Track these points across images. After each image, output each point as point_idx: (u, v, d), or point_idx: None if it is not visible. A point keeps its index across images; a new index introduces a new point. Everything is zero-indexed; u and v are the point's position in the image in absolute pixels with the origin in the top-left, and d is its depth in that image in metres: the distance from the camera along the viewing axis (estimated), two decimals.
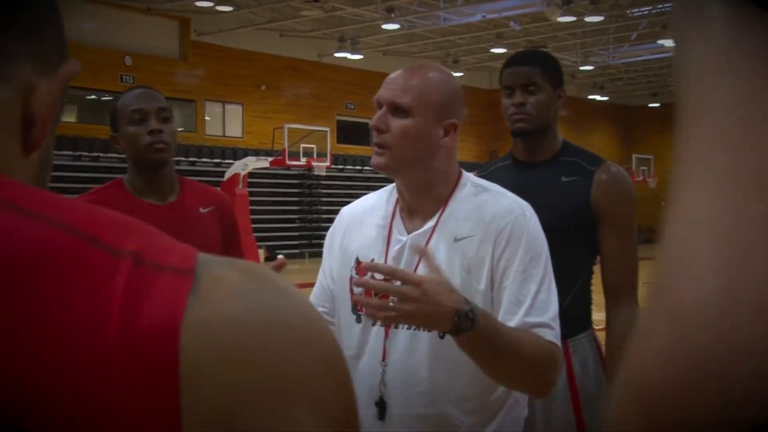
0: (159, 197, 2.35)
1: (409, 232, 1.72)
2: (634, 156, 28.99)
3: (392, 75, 1.72)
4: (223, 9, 19.05)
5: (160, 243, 0.55)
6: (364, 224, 1.80)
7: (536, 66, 2.35)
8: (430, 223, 1.70)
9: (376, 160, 1.69)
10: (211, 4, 18.71)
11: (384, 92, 1.69)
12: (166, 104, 2.35)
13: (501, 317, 1.61)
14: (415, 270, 1.66)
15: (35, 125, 0.62)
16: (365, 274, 1.70)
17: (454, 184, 1.73)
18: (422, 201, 1.73)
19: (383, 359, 1.68)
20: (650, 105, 33.07)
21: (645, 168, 28.82)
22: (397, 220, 1.75)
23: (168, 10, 19.59)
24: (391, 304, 1.45)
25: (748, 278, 0.33)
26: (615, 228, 2.26)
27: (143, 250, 0.54)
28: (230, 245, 2.44)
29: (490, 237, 1.65)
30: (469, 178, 1.76)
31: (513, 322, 1.60)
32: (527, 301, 1.61)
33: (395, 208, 1.77)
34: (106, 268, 0.52)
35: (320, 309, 1.84)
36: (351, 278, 1.75)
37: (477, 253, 1.65)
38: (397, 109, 1.67)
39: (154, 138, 2.29)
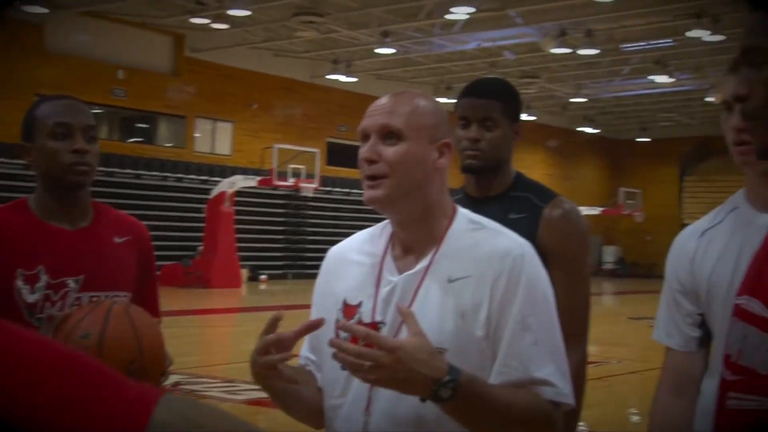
0: (70, 222, 2.12)
1: (400, 272, 1.59)
2: (621, 189, 29.11)
3: (375, 103, 1.63)
4: (218, 26, 19.05)
5: None
6: (352, 264, 1.68)
7: (495, 100, 2.23)
8: (424, 263, 1.58)
9: (371, 194, 1.56)
10: (206, 21, 18.72)
11: (371, 120, 1.59)
12: (94, 121, 2.13)
13: (497, 372, 1.51)
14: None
15: None
16: (352, 316, 1.60)
17: (450, 219, 1.62)
18: (417, 237, 1.60)
19: (367, 408, 1.56)
20: (639, 140, 33.25)
21: (632, 202, 28.92)
22: (389, 259, 1.62)
23: (163, 26, 19.57)
24: (366, 365, 1.37)
25: None
26: (563, 268, 2.09)
27: None
28: (145, 281, 2.24)
29: (486, 280, 1.53)
30: (466, 213, 1.64)
31: (510, 379, 1.50)
32: (525, 354, 1.50)
33: (387, 246, 1.64)
34: None
35: (308, 364, 1.73)
36: (337, 322, 1.63)
37: (473, 297, 1.53)
38: (388, 135, 1.57)
39: (78, 158, 2.05)
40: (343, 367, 1.60)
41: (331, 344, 1.42)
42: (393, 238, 1.65)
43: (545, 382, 1.51)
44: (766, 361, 1.12)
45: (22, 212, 2.10)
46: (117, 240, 2.18)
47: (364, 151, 1.58)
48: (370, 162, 1.56)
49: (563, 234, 2.18)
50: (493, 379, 1.51)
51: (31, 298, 2.02)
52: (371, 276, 1.62)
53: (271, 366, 1.49)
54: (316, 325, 1.54)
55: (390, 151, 1.56)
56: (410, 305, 1.55)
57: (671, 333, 1.84)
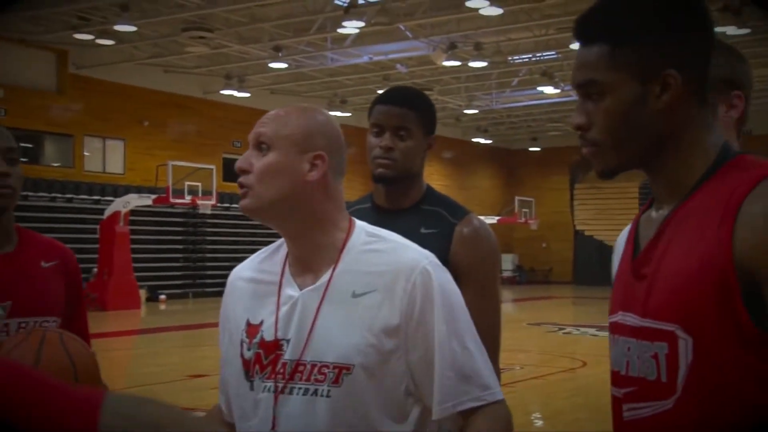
0: None
1: (301, 288, 1.57)
2: (516, 198, 29.85)
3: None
4: (103, 42, 18.51)
5: None
6: (251, 283, 1.65)
7: (411, 109, 2.18)
8: (324, 278, 1.55)
9: (241, 202, 1.56)
10: (90, 37, 18.15)
11: (252, 131, 1.60)
12: (15, 143, 2.10)
13: (438, 384, 1.52)
14: (312, 326, 1.53)
15: None
16: (255, 335, 1.58)
17: (346, 233, 1.59)
18: (310, 252, 1.58)
19: (273, 427, 1.53)
20: (531, 149, 34.20)
21: (527, 210, 29.69)
22: (287, 275, 1.60)
23: (44, 42, 18.88)
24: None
25: None
26: (475, 287, 2.04)
27: None
28: (73, 305, 2.21)
29: (396, 294, 1.52)
30: (363, 226, 1.62)
31: (450, 390, 1.52)
32: (458, 362, 1.52)
33: (284, 262, 1.62)
34: None
35: (223, 402, 1.71)
36: (242, 342, 1.60)
37: (381, 310, 1.51)
38: (259, 145, 1.56)
39: None
40: (252, 387, 1.57)
41: None
42: (290, 254, 1.63)
43: (486, 386, 1.54)
44: (653, 367, 1.17)
45: None
46: (44, 264, 2.14)
47: (239, 159, 1.58)
48: (243, 171, 1.56)
49: (477, 253, 2.16)
50: (435, 390, 1.52)
51: None
52: (271, 293, 1.60)
53: None
54: None
55: (259, 161, 1.55)
56: (313, 321, 1.53)
57: None
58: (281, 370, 1.53)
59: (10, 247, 2.11)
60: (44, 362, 1.70)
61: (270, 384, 1.54)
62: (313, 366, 1.51)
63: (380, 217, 2.18)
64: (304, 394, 1.51)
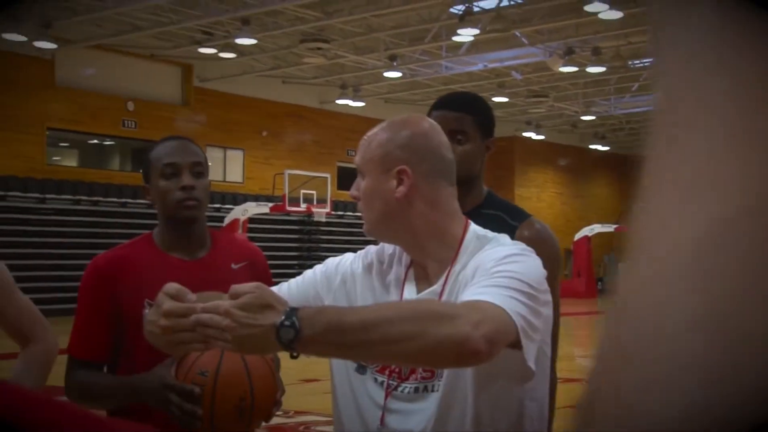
0: (188, 253, 2.26)
1: (419, 291, 1.63)
2: (635, 206, 28.97)
3: None
4: (226, 56, 19.17)
5: None
6: (380, 275, 1.70)
7: (467, 113, 2.19)
8: (438, 284, 1.59)
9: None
10: (214, 51, 18.84)
11: None
12: (201, 158, 2.28)
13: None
14: None
15: None
16: None
17: (460, 239, 1.61)
18: (424, 261, 1.62)
19: (381, 423, 1.58)
20: None
21: None
22: (410, 275, 1.66)
23: (171, 57, 19.71)
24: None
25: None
26: None
27: None
28: None
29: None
30: (475, 230, 1.63)
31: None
32: (477, 291, 1.40)
33: (409, 266, 1.68)
34: None
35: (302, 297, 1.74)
36: None
37: None
38: (358, 172, 1.63)
39: (185, 194, 2.21)
40: (362, 372, 1.63)
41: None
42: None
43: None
44: None
45: (147, 245, 2.26)
46: (234, 266, 2.29)
47: (351, 187, 1.65)
48: (354, 199, 1.63)
49: (538, 255, 2.12)
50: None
51: None
52: (396, 287, 1.65)
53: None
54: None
55: (360, 189, 1.61)
56: None
57: None
58: (396, 370, 1.58)
59: (203, 252, 2.28)
60: (223, 372, 1.82)
61: (383, 379, 1.59)
62: None
63: None
64: (415, 392, 1.56)
